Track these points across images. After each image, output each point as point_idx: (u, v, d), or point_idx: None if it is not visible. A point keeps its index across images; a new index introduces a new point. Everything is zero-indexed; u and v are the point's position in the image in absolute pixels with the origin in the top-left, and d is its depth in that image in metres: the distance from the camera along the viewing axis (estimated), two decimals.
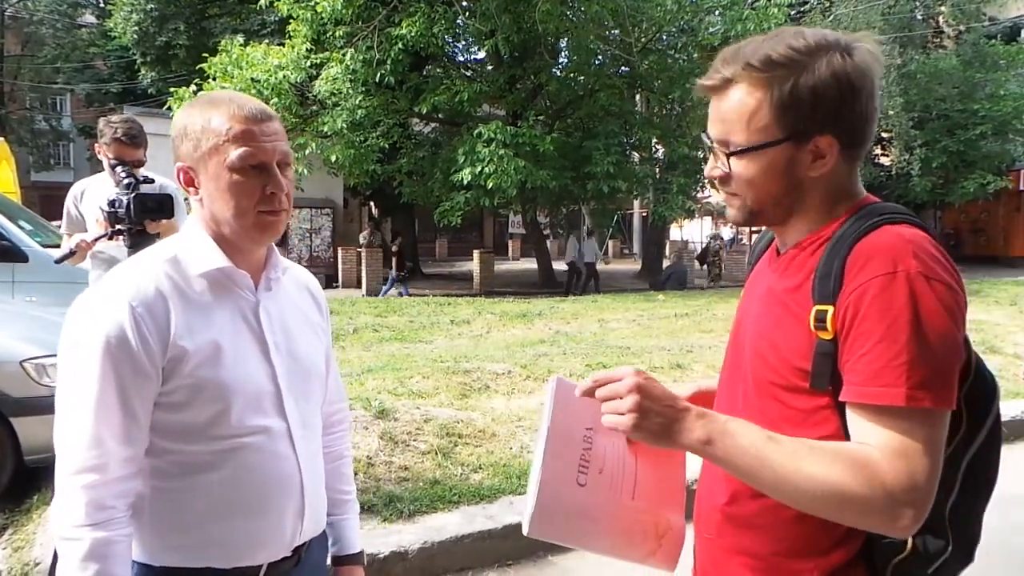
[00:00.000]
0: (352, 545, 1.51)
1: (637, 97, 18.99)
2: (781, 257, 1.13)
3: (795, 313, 1.03)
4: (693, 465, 1.18)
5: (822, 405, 1.01)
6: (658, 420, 1.01)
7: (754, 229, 29.05)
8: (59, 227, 4.05)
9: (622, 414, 1.02)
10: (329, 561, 1.51)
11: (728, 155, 1.07)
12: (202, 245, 1.24)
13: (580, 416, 1.14)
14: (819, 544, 1.03)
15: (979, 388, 1.05)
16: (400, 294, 16.22)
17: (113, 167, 3.16)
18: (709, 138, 1.10)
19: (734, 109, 1.05)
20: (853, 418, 0.97)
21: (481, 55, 18.96)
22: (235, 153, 1.18)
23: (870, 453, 0.94)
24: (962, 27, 21.47)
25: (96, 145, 3.36)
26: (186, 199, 3.64)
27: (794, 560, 1.05)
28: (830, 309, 0.98)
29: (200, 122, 1.21)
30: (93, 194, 3.43)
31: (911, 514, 0.92)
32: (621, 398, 1.02)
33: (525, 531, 1.08)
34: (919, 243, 0.97)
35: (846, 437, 0.99)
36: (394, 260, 16.73)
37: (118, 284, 1.18)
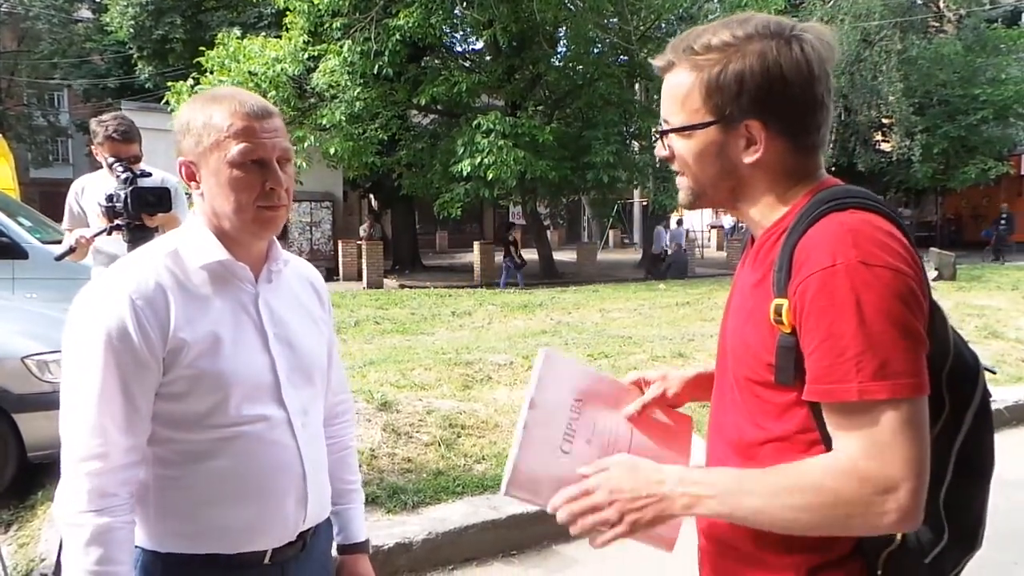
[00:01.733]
0: (357, 534, 1.54)
1: (636, 86, 18.93)
2: (753, 248, 1.13)
3: (760, 307, 1.02)
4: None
5: (792, 400, 1.00)
6: (648, 512, 1.03)
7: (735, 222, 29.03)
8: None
9: (614, 524, 1.04)
10: (335, 550, 1.52)
11: (662, 134, 1.12)
12: (202, 239, 1.27)
13: (569, 388, 1.18)
14: (805, 540, 1.01)
15: (960, 370, 1.03)
16: (511, 284, 16.30)
17: (111, 164, 3.16)
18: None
19: (671, 90, 1.09)
20: (824, 415, 0.97)
21: (479, 45, 18.89)
22: (235, 149, 1.20)
23: (838, 461, 0.94)
24: (963, 11, 21.36)
25: (92, 146, 3.36)
26: (188, 193, 3.63)
27: (780, 555, 1.04)
28: (785, 303, 0.98)
29: (202, 118, 1.23)
30: (94, 190, 3.43)
31: (895, 507, 0.91)
32: (603, 509, 1.05)
33: (502, 491, 1.13)
34: (860, 229, 0.95)
35: (817, 429, 0.99)
36: (511, 249, 16.87)
37: (119, 278, 1.21)
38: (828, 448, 0.99)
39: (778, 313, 0.98)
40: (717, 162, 1.08)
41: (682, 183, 1.14)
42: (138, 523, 1.23)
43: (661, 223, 20.88)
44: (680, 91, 1.07)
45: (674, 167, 1.14)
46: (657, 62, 1.12)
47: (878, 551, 1.00)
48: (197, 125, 1.23)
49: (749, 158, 1.06)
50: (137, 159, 3.29)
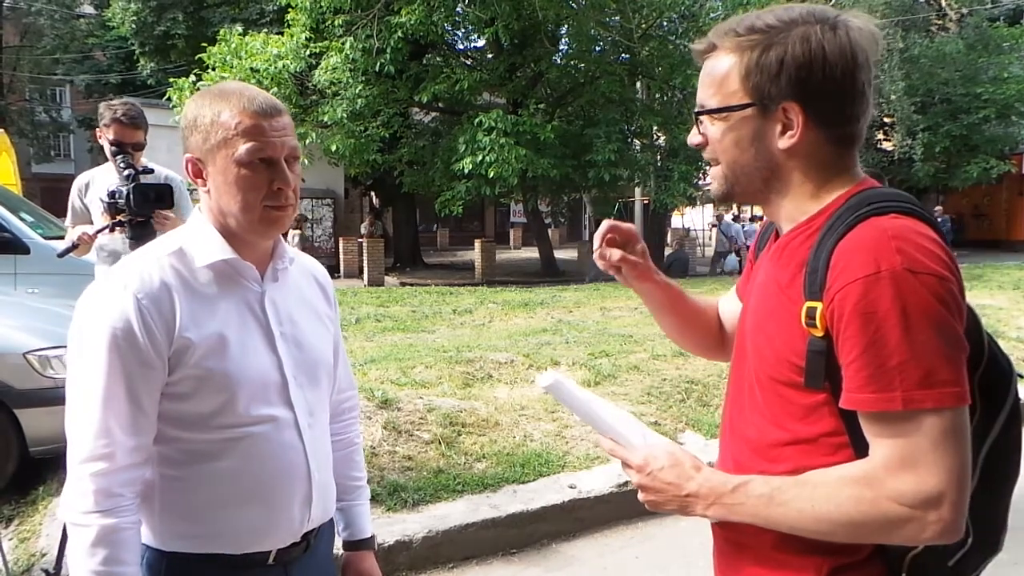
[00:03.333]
0: (363, 530, 1.53)
1: (638, 84, 18.89)
2: (778, 244, 1.10)
3: (788, 308, 1.00)
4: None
5: (820, 401, 0.99)
6: (671, 505, 1.07)
7: (757, 215, 28.99)
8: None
9: (646, 497, 1.10)
10: (340, 547, 1.53)
11: (697, 115, 1.09)
12: (207, 237, 1.25)
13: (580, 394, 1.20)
14: (827, 542, 0.99)
15: (994, 373, 1.01)
16: (600, 279, 16.49)
17: (114, 154, 3.15)
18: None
19: (710, 73, 1.07)
20: (862, 423, 0.96)
21: (481, 43, 18.88)
22: (243, 147, 1.19)
23: (875, 471, 0.93)
24: (965, 10, 21.32)
25: (97, 130, 3.34)
26: (192, 190, 3.64)
27: (800, 556, 1.02)
28: (819, 306, 0.96)
29: (210, 114, 1.21)
30: (98, 186, 3.41)
31: (935, 518, 0.90)
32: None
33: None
34: (903, 235, 0.93)
35: (847, 432, 0.98)
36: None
37: (124, 276, 1.20)
38: (856, 453, 0.97)
39: (811, 317, 0.96)
40: (752, 148, 1.05)
41: (714, 173, 1.11)
42: (143, 522, 1.22)
43: (730, 217, 20.90)
44: (719, 73, 1.05)
45: (706, 155, 1.11)
46: (698, 45, 1.09)
47: (902, 555, 0.99)
48: (205, 122, 1.21)
49: (785, 144, 1.03)
50: (140, 147, 3.27)
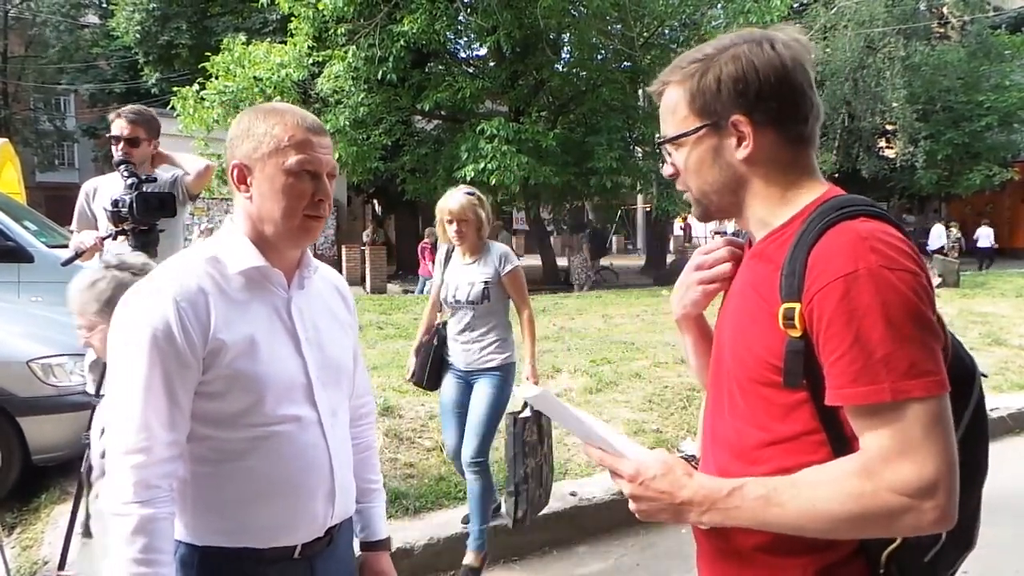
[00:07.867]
0: (379, 532, 1.62)
1: (640, 92, 18.94)
2: (753, 251, 1.15)
3: (766, 310, 1.04)
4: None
5: (800, 400, 1.02)
6: (663, 515, 1.06)
7: None
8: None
9: (638, 506, 1.08)
10: (357, 547, 1.59)
11: (659, 144, 1.18)
12: (240, 245, 1.34)
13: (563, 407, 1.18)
14: (810, 541, 1.01)
15: (957, 371, 1.04)
16: None
17: (117, 164, 3.16)
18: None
19: (665, 107, 1.16)
20: (851, 419, 0.98)
21: (483, 51, 18.94)
22: (294, 159, 1.29)
23: (871, 464, 0.94)
24: (966, 18, 21.37)
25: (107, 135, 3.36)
26: (204, 197, 3.59)
27: (785, 557, 1.04)
28: (797, 307, 0.99)
29: (264, 126, 1.31)
30: (105, 193, 3.41)
31: (932, 506, 0.92)
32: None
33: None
34: (876, 236, 0.97)
35: (825, 431, 1.01)
36: None
37: (165, 281, 1.29)
38: (834, 451, 1.00)
39: (789, 318, 1.00)
40: (715, 166, 1.12)
41: (690, 198, 1.18)
42: (177, 517, 1.29)
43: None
44: (671, 105, 1.14)
45: (680, 185, 1.18)
46: (652, 88, 1.18)
47: (880, 550, 1.01)
48: (258, 132, 1.31)
49: (742, 154, 1.09)
50: (144, 157, 3.27)
